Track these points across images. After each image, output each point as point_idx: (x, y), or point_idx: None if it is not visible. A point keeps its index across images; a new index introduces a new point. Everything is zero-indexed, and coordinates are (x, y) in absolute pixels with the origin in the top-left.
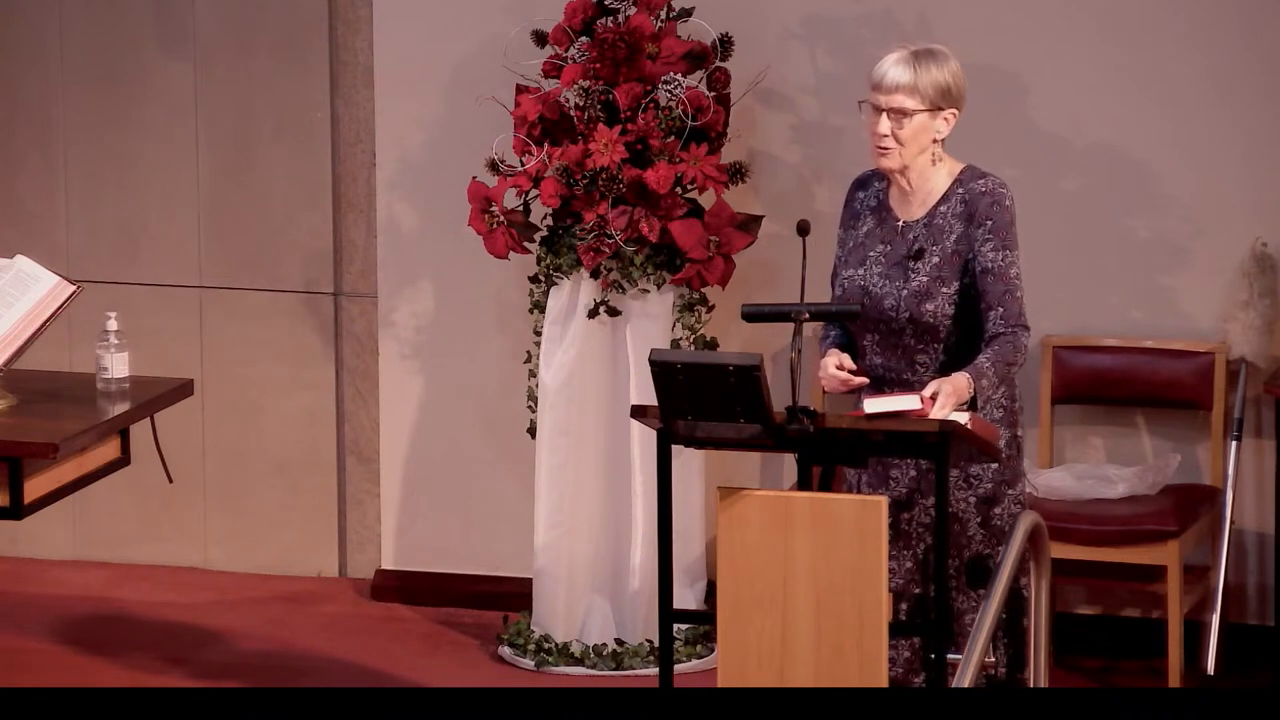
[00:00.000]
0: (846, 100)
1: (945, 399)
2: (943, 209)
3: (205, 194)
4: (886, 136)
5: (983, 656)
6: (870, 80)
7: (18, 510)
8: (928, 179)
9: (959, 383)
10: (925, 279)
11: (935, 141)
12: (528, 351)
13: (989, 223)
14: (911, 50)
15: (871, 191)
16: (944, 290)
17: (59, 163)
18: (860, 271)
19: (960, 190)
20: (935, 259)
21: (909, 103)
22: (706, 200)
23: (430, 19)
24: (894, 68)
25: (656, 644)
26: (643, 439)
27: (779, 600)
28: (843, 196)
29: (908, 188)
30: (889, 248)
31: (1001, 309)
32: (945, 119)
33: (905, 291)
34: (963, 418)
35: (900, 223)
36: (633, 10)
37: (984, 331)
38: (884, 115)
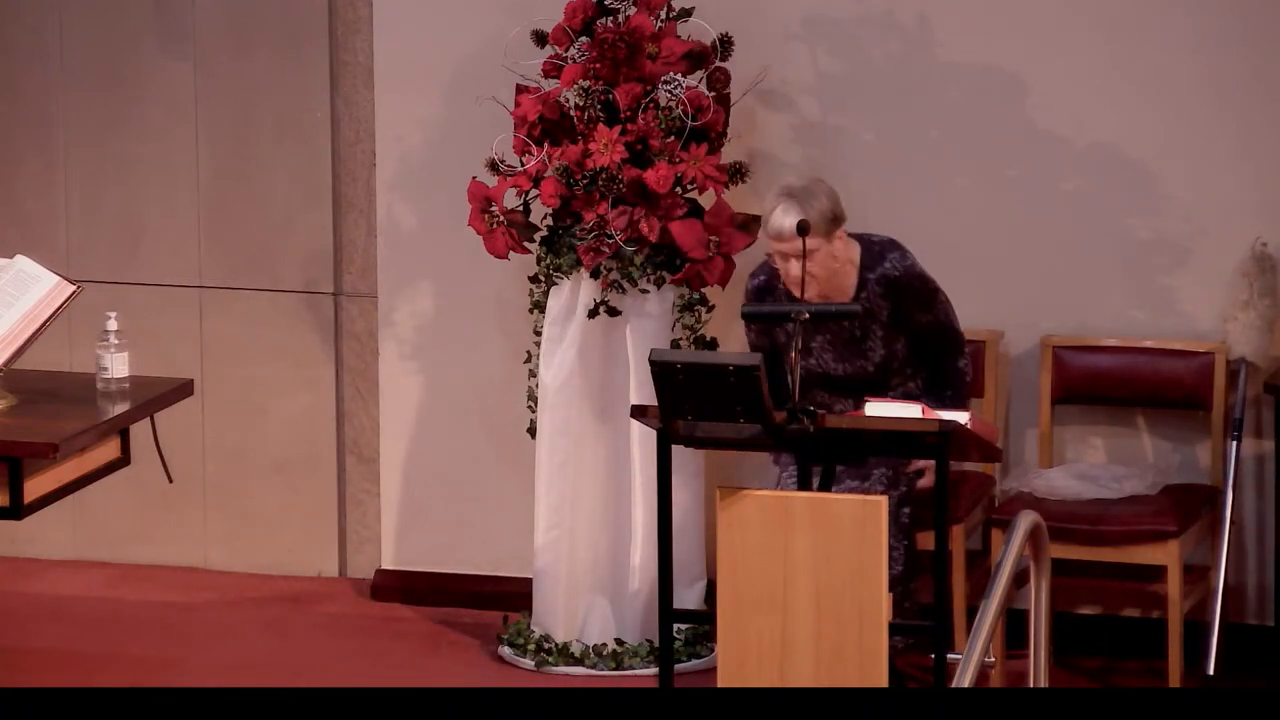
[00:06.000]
0: (846, 100)
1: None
2: (863, 295)
3: (205, 194)
4: (797, 278)
5: (982, 656)
6: (769, 235)
7: (18, 510)
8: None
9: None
10: None
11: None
12: (528, 351)
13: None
14: (788, 193)
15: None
16: None
17: (59, 163)
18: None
19: (870, 276)
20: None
21: (810, 243)
22: (706, 200)
23: (430, 19)
24: (784, 218)
25: (656, 644)
26: (643, 439)
27: (779, 600)
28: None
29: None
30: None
31: None
32: (840, 238)
33: None
34: (963, 417)
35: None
36: (633, 10)
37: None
38: (792, 260)
